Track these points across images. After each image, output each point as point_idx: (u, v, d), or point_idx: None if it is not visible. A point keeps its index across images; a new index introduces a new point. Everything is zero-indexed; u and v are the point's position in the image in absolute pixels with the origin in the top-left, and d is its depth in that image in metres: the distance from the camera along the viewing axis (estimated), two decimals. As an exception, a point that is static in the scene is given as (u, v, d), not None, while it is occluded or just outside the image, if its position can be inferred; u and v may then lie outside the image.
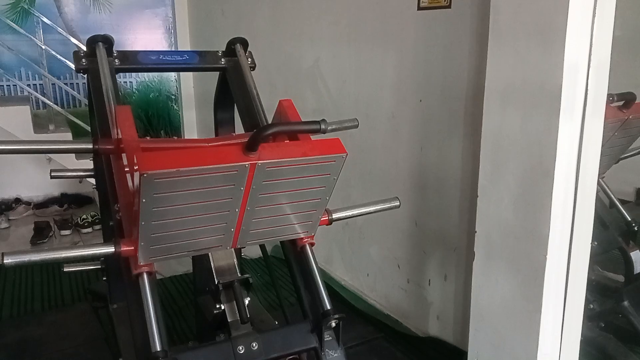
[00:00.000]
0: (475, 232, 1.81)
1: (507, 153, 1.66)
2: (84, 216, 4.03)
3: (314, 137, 1.46)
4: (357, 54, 2.54)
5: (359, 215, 1.70)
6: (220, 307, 1.46)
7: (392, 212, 1.85)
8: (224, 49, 1.88)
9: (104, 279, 2.33)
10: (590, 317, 2.05)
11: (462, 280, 2.11)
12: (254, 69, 1.86)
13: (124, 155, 1.32)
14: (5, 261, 1.14)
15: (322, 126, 1.30)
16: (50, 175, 2.01)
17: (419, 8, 2.10)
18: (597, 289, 2.13)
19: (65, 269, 2.31)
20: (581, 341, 1.76)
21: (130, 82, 7.87)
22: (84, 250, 1.26)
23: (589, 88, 1.52)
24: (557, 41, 1.46)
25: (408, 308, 2.44)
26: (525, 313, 1.67)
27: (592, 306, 2.11)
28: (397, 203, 1.65)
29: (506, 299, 1.73)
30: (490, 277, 1.78)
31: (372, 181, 2.57)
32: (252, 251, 3.15)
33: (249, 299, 1.46)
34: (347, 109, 2.65)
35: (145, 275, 1.25)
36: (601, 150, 1.63)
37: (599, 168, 1.65)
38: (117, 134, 1.35)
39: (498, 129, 1.68)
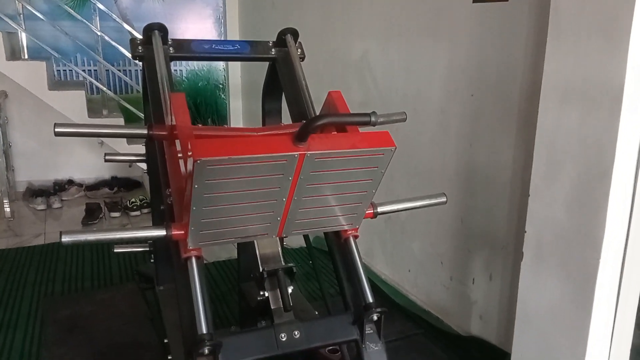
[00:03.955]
0: (525, 232, 1.76)
1: (563, 152, 1.60)
2: (133, 199, 4.16)
3: (361, 130, 1.45)
4: (406, 47, 2.51)
5: (405, 210, 1.68)
6: (264, 294, 1.47)
7: (436, 208, 1.82)
8: (272, 39, 1.89)
9: (152, 261, 2.40)
10: (641, 325, 1.97)
11: (508, 281, 2.06)
12: (303, 60, 1.86)
13: (177, 141, 1.34)
14: (62, 240, 1.18)
15: (373, 119, 1.28)
16: (105, 159, 2.07)
17: (475, 1, 2.05)
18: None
19: (116, 250, 2.39)
20: (631, 350, 1.70)
21: (180, 70, 8.02)
22: (137, 233, 1.29)
23: (653, 88, 1.45)
24: (621, 39, 1.40)
25: (450, 306, 2.41)
26: (575, 318, 1.62)
27: (644, 314, 2.02)
28: (444, 199, 1.62)
29: (555, 302, 1.68)
30: (538, 279, 1.73)
31: (418, 176, 2.54)
32: (293, 241, 3.18)
33: (292, 287, 1.48)
34: (394, 102, 2.62)
35: (193, 259, 1.27)
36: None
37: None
38: (171, 120, 1.38)
39: (554, 127, 1.62)
